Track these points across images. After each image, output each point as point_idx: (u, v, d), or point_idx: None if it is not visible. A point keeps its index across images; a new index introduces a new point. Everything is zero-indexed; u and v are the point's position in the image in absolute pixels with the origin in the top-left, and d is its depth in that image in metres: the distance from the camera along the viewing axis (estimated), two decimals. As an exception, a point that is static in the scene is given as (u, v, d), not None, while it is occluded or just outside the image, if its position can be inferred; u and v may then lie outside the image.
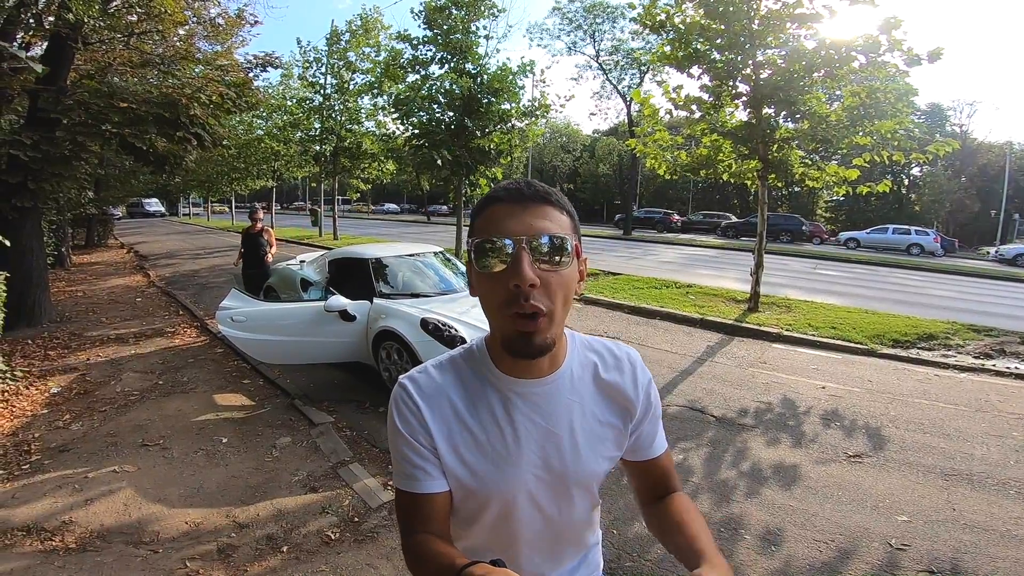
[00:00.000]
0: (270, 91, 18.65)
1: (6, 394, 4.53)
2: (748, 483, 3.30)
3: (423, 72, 10.85)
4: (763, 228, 7.95)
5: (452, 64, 10.41)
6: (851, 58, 6.62)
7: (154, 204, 39.14)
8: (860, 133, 7.11)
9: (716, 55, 7.39)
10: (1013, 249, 22.46)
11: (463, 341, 3.59)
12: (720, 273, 12.90)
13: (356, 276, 5.20)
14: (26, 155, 5.98)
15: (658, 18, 7.50)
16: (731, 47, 7.10)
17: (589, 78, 51.75)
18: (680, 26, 7.39)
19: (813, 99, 7.07)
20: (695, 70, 7.54)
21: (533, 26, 39.26)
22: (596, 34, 29.02)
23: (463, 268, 5.63)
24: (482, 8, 10.42)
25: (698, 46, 7.41)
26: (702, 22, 7.16)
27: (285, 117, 18.56)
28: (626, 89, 29.39)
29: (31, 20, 6.67)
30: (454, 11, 10.23)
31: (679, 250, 19.94)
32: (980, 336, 6.74)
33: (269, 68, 8.94)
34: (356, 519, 2.90)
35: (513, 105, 10.77)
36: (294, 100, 18.71)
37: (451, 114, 10.61)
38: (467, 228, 0.89)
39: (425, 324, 4.33)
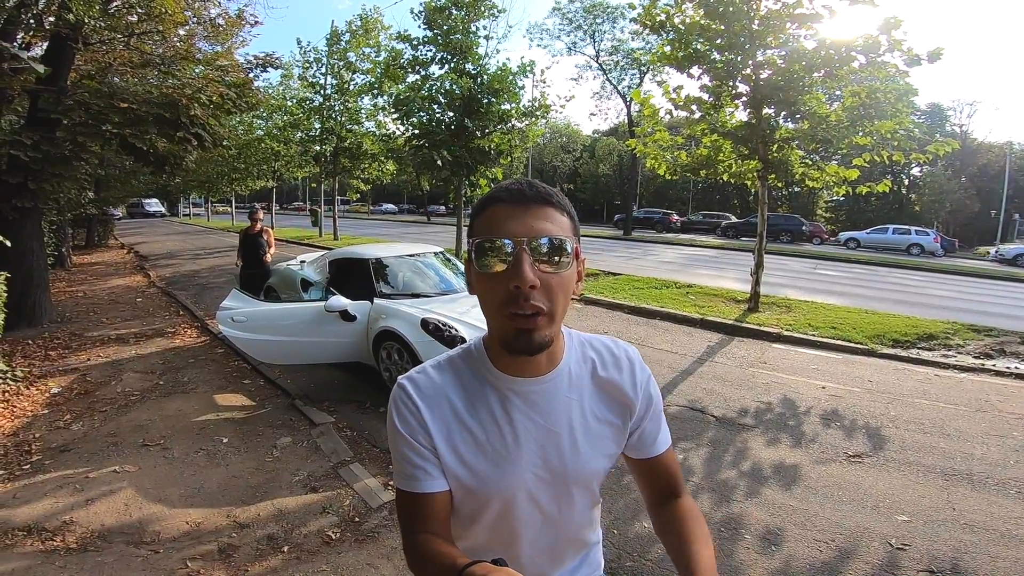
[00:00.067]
0: (270, 91, 18.59)
1: (7, 394, 4.53)
2: (748, 483, 3.30)
3: (423, 72, 10.86)
4: (763, 228, 7.95)
5: (452, 64, 10.43)
6: (851, 58, 6.62)
7: (154, 204, 39.14)
8: (860, 133, 7.11)
9: (716, 55, 7.39)
10: (1013, 249, 22.46)
11: (463, 341, 3.59)
12: (720, 273, 12.90)
13: (356, 276, 5.20)
14: (26, 155, 5.99)
15: (658, 18, 7.51)
16: (731, 47, 7.10)
17: (589, 78, 51.79)
18: (680, 26, 7.39)
19: (813, 99, 7.08)
20: (695, 70, 7.54)
21: (533, 26, 39.18)
22: (596, 34, 29.03)
23: (463, 268, 5.62)
24: (482, 8, 10.44)
25: (698, 46, 7.42)
26: (702, 22, 7.16)
27: (285, 117, 18.53)
28: (626, 89, 29.39)
29: (31, 20, 6.67)
30: (454, 11, 10.24)
31: (679, 250, 19.93)
32: (980, 336, 6.74)
33: (269, 68, 8.95)
34: (357, 519, 2.91)
35: (513, 105, 10.79)
36: (294, 100, 18.70)
37: (451, 114, 10.62)
38: (467, 228, 0.89)
39: (425, 324, 4.33)
